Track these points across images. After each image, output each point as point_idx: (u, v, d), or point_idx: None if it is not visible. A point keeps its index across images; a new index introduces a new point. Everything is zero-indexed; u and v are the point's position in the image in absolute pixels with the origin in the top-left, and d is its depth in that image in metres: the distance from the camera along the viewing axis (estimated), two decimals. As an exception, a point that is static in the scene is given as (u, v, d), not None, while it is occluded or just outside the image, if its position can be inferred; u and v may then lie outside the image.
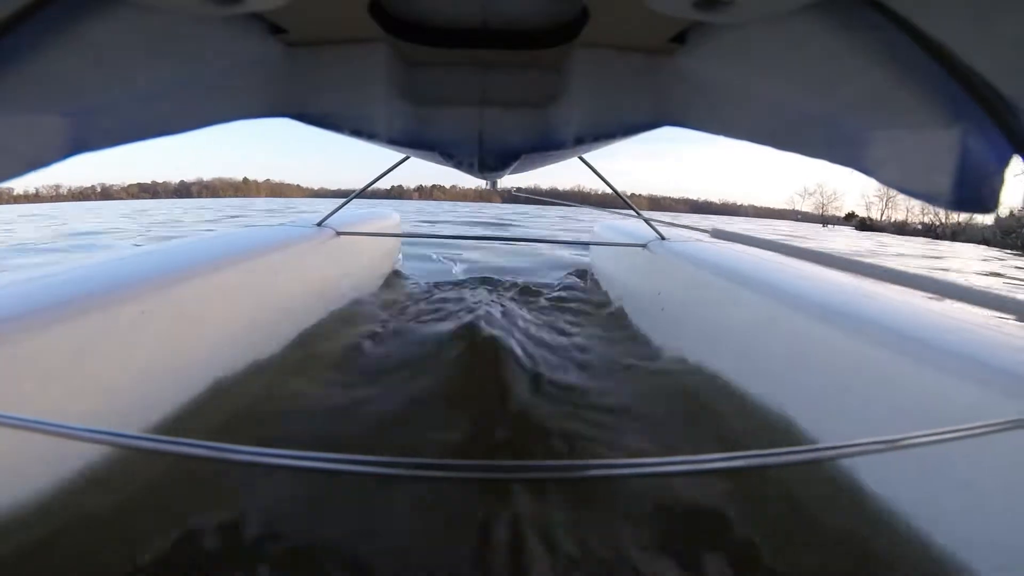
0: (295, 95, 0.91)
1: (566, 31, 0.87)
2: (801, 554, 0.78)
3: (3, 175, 0.54)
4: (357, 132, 0.94)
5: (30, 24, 0.50)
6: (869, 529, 0.75)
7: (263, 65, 0.85)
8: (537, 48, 0.91)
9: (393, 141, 0.97)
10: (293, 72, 0.89)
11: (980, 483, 0.64)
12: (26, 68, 0.53)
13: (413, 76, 1.02)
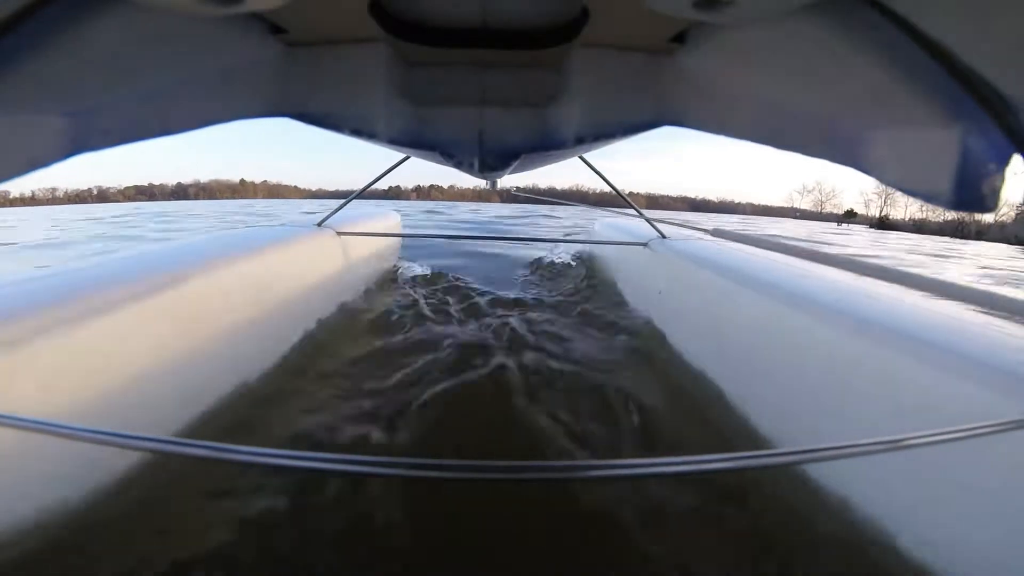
0: (295, 95, 0.91)
1: (566, 31, 0.87)
2: (798, 557, 0.78)
3: (3, 175, 0.54)
4: (357, 132, 0.94)
5: (30, 24, 0.50)
6: (868, 531, 0.75)
7: (263, 65, 0.85)
8: (537, 48, 0.91)
9: (393, 141, 0.97)
10: (293, 72, 0.89)
11: (982, 484, 0.64)
12: (26, 68, 0.53)
13: (413, 76, 1.02)
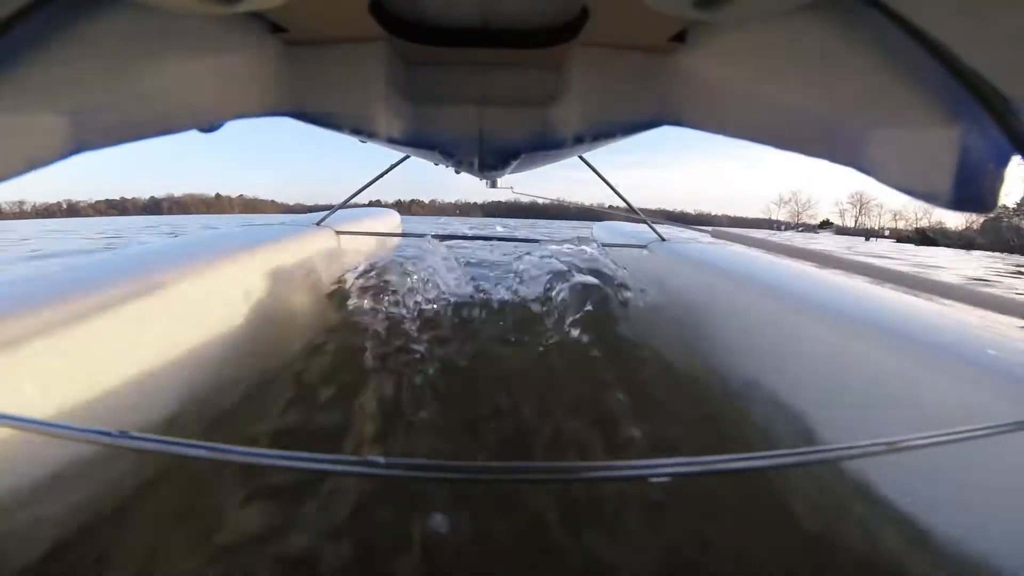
0: (295, 93, 0.91)
1: (566, 30, 0.88)
2: (797, 559, 0.78)
3: (3, 174, 0.53)
4: (357, 131, 0.95)
5: (30, 23, 0.49)
6: (866, 532, 0.75)
7: (263, 63, 0.85)
8: (537, 47, 0.92)
9: (393, 140, 0.97)
10: (293, 70, 0.89)
11: (982, 486, 0.63)
12: (26, 68, 0.52)
13: (413, 75, 1.02)
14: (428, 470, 0.41)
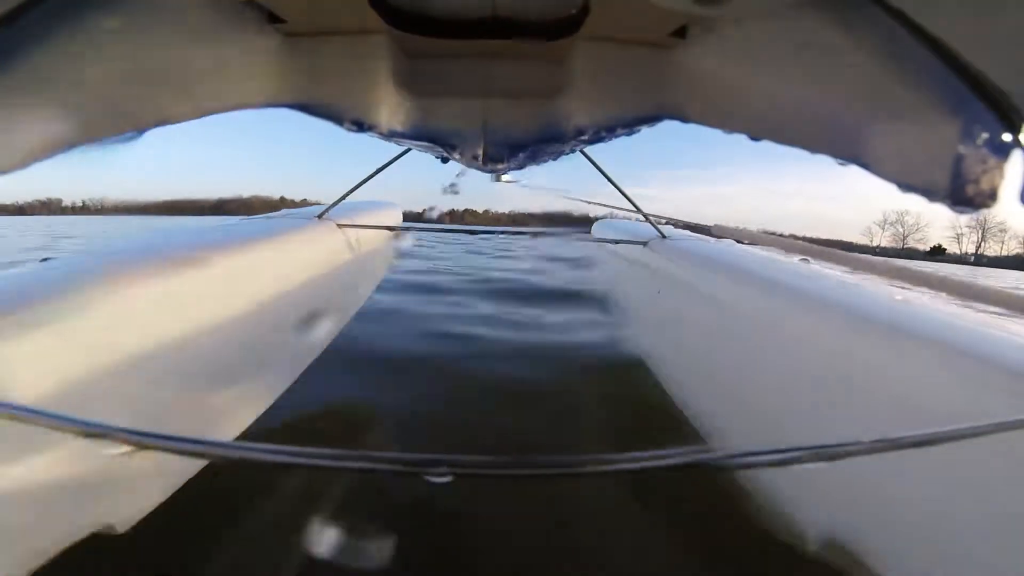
0: (296, 85, 0.95)
1: (569, 23, 0.91)
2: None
3: (3, 168, 0.58)
4: (358, 124, 0.99)
5: (27, 16, 0.54)
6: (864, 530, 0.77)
7: (261, 55, 0.89)
8: (538, 39, 0.94)
9: (394, 134, 1.01)
10: (292, 63, 0.93)
11: (982, 483, 0.64)
12: (23, 61, 0.57)
13: (415, 67, 1.05)
14: (428, 466, 0.41)
